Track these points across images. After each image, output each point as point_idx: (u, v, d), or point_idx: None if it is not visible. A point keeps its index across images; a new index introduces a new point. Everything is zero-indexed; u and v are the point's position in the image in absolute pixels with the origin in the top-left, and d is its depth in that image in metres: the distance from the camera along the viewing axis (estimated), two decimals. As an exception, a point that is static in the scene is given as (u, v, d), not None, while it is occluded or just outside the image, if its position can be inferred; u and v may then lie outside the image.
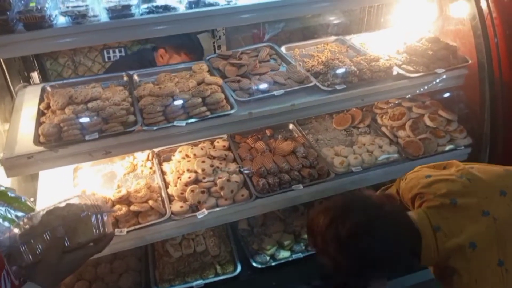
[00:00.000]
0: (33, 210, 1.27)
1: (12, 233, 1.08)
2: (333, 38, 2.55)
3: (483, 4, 2.06)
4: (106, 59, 4.10)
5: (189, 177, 1.99)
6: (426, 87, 2.11)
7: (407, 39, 2.33)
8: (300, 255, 2.13)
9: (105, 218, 1.22)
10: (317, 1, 1.90)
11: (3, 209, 1.16)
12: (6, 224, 1.11)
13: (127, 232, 1.79)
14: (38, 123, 1.76)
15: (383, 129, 2.40)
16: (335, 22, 3.37)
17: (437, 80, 2.10)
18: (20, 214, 1.21)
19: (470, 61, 2.14)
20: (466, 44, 2.21)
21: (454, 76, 2.13)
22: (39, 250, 1.07)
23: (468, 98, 2.27)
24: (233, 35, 3.72)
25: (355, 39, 2.50)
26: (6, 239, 1.05)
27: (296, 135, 2.41)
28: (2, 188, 1.25)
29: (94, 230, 1.17)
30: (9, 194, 1.28)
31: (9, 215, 1.16)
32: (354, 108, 2.53)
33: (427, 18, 2.46)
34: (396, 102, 2.47)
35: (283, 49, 2.44)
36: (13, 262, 1.05)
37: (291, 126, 2.50)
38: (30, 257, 1.06)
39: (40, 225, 1.11)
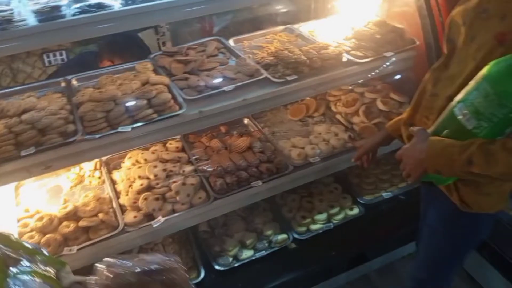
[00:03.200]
0: (62, 264, 1.09)
1: None
2: (282, 27, 2.49)
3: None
4: (47, 63, 3.86)
5: (141, 184, 1.88)
6: (376, 71, 2.10)
7: (354, 24, 2.31)
8: (263, 252, 2.08)
9: None
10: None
11: (33, 265, 0.97)
12: (37, 280, 0.93)
13: (77, 250, 1.67)
14: (-33, 141, 1.60)
15: (338, 116, 2.38)
16: (284, 10, 3.31)
17: (387, 64, 2.10)
18: (49, 268, 1.02)
19: (417, 42, 2.15)
20: (412, 25, 2.21)
21: (403, 58, 2.13)
22: None
23: (418, 79, 2.27)
24: (179, 30, 3.59)
25: (304, 28, 2.44)
26: None
27: (252, 130, 2.35)
28: (26, 244, 1.06)
29: None
30: (26, 244, 1.08)
31: (37, 269, 0.97)
32: (308, 98, 2.49)
33: (374, 2, 2.45)
34: (349, 88, 2.46)
35: (231, 42, 2.35)
36: None
37: (246, 120, 2.43)
38: None
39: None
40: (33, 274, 0.93)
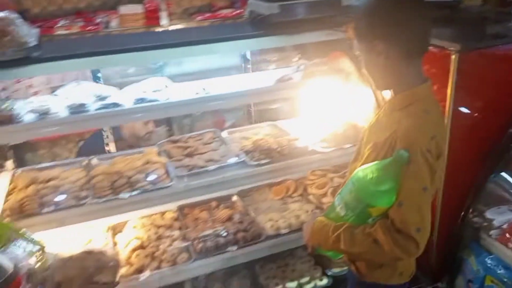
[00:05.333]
0: (43, 245, 1.62)
1: (29, 261, 1.45)
2: (267, 123, 3.04)
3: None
4: (80, 148, 4.54)
5: (136, 244, 2.30)
6: (337, 160, 2.53)
7: (325, 122, 2.81)
8: (237, 313, 2.37)
9: (119, 270, 1.54)
10: (232, 96, 2.39)
11: (23, 243, 1.51)
12: (25, 254, 1.47)
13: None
14: (6, 201, 2.11)
15: (311, 197, 2.77)
16: (279, 106, 3.91)
17: (346, 154, 2.53)
18: (36, 248, 1.55)
19: (372, 137, 2.59)
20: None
21: (359, 149, 2.56)
22: (71, 275, 1.39)
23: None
24: (195, 123, 4.26)
25: (285, 123, 2.97)
26: (25, 266, 1.40)
27: (237, 205, 2.76)
28: (24, 230, 1.62)
29: (114, 276, 1.49)
30: (27, 234, 1.62)
31: (28, 248, 1.51)
32: (290, 180, 2.92)
33: (344, 105, 2.97)
34: (323, 174, 2.87)
35: (225, 133, 2.89)
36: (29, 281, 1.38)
37: (234, 198, 2.85)
38: (61, 278, 1.39)
39: (76, 258, 1.45)
40: (21, 248, 1.46)
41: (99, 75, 3.11)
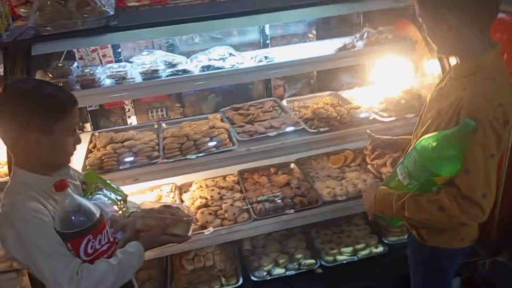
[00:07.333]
0: (125, 195, 1.78)
1: (112, 209, 1.62)
2: (328, 92, 3.05)
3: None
4: (150, 118, 4.79)
5: (200, 202, 2.47)
6: (398, 130, 2.51)
7: (388, 91, 2.78)
8: (292, 272, 2.49)
9: (191, 226, 1.73)
10: (295, 64, 2.43)
11: (108, 192, 1.67)
12: (109, 202, 1.63)
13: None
14: (86, 158, 2.35)
15: (369, 167, 2.79)
16: (341, 76, 3.87)
17: (408, 124, 2.50)
18: (119, 197, 1.71)
19: (436, 107, 2.54)
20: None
21: (422, 119, 2.52)
22: (151, 224, 1.59)
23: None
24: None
25: (346, 93, 2.97)
26: (109, 212, 1.58)
27: (295, 172, 2.85)
28: (109, 181, 1.76)
29: (187, 231, 1.69)
30: (112, 185, 1.77)
31: (112, 197, 1.67)
32: (348, 150, 2.95)
33: (408, 73, 2.91)
34: (382, 144, 2.87)
35: (284, 102, 2.96)
36: (112, 226, 1.54)
37: (292, 165, 2.93)
38: (141, 226, 1.58)
39: (156, 211, 1.69)
40: (106, 196, 1.63)
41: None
